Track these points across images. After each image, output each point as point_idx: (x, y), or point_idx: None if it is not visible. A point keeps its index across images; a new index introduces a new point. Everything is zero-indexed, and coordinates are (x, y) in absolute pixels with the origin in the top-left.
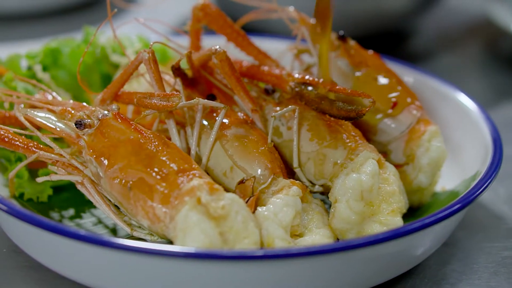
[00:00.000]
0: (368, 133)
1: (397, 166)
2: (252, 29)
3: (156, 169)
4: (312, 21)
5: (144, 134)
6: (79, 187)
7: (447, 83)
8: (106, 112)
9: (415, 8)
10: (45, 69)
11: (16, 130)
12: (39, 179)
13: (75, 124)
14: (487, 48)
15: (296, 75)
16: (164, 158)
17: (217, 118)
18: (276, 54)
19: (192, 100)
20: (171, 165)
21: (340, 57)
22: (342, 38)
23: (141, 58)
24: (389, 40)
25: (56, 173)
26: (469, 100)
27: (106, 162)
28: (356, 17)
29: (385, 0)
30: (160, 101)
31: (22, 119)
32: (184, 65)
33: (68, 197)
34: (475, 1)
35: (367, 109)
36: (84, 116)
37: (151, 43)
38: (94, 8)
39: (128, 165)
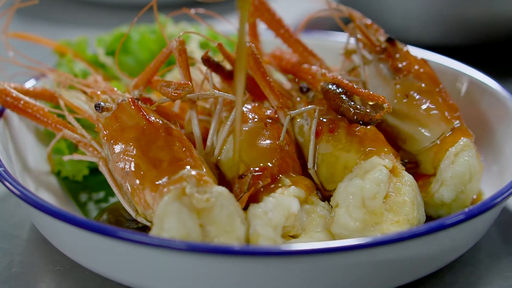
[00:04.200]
0: (398, 141)
1: (426, 177)
2: None
3: (152, 156)
4: (366, 20)
5: (151, 122)
6: (99, 168)
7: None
8: (125, 97)
9: None
10: (113, 54)
11: (52, 109)
12: (65, 157)
13: (95, 107)
14: None
15: (329, 75)
16: (161, 146)
17: (233, 111)
18: None
19: (207, 92)
20: (168, 154)
21: (383, 61)
22: (390, 41)
23: (171, 47)
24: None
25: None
26: None
27: (113, 145)
28: (475, 24)
29: (506, 6)
30: (173, 90)
31: (59, 99)
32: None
33: (103, 179)
34: None
35: (381, 115)
36: (109, 100)
37: (181, 33)
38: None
39: (128, 150)
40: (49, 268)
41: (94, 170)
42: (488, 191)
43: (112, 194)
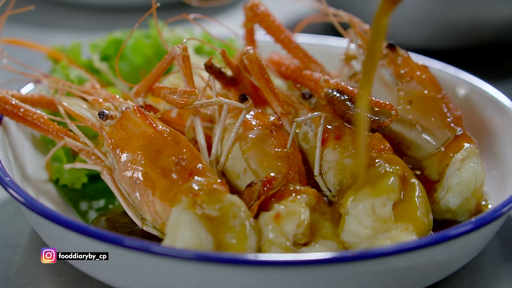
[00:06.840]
0: (403, 147)
1: (431, 183)
2: None
3: (161, 165)
4: (364, 26)
5: (158, 130)
6: (102, 176)
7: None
8: (129, 105)
9: None
10: (106, 59)
11: (50, 116)
12: (66, 166)
13: (98, 115)
14: None
15: (332, 82)
16: (170, 155)
17: (239, 118)
18: None
19: (212, 99)
20: (177, 162)
21: (386, 66)
22: (391, 47)
23: (174, 53)
24: (498, 52)
25: (85, 162)
26: None
27: (119, 153)
28: (462, 27)
29: (493, 10)
30: (179, 97)
31: (59, 106)
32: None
33: (103, 187)
34: None
35: (389, 122)
36: (112, 107)
37: (184, 39)
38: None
39: (136, 158)
40: (55, 278)
41: (92, 177)
42: (489, 196)
43: (112, 202)
